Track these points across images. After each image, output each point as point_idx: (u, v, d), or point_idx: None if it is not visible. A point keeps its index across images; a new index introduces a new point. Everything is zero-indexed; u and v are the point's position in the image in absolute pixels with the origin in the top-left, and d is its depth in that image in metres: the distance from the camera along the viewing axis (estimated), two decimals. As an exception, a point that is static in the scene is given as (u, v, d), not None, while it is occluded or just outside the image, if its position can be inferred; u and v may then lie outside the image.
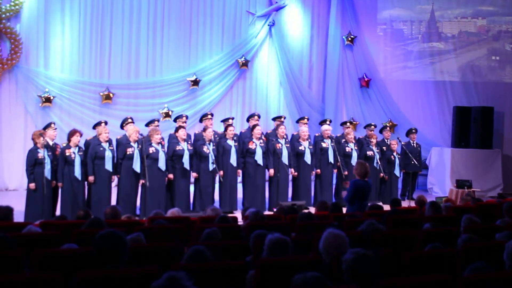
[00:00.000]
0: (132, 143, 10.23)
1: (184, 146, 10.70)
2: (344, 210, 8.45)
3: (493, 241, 5.17)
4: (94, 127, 10.63)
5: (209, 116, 11.66)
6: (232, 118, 12.35)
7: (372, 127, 13.05)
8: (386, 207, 8.86)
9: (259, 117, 12.19)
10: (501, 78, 15.91)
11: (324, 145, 12.07)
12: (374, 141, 12.62)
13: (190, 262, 4.17)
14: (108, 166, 10.07)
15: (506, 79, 15.85)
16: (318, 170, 12.00)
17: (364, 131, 13.28)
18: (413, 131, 13.71)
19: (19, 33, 13.10)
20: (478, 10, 16.21)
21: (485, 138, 14.80)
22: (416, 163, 13.00)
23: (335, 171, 12.28)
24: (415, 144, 13.57)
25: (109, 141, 10.26)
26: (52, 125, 10.29)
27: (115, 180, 10.36)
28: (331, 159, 12.01)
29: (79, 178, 9.88)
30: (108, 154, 10.07)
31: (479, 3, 16.20)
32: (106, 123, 10.63)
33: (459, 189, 12.67)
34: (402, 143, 13.21)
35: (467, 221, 6.04)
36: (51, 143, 10.06)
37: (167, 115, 14.54)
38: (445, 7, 16.44)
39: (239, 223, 7.03)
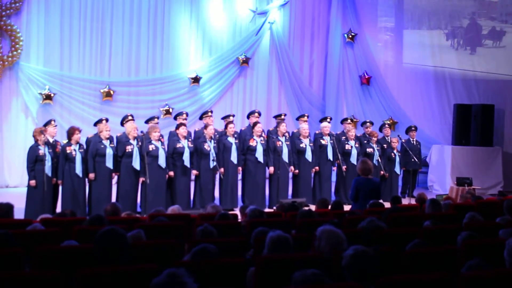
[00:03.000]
0: (131, 141, 10.23)
1: (184, 143, 10.70)
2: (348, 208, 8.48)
3: (493, 239, 5.17)
4: (95, 124, 10.63)
5: (210, 114, 11.67)
6: (233, 115, 12.34)
7: (368, 124, 13.05)
8: (387, 205, 8.85)
9: (259, 114, 12.19)
10: (501, 76, 15.88)
11: (323, 142, 12.07)
12: (374, 138, 12.62)
13: (194, 259, 4.17)
14: (109, 163, 10.07)
15: (507, 77, 15.83)
16: (317, 168, 11.99)
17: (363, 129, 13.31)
18: (413, 128, 13.72)
19: (20, 30, 13.11)
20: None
21: (486, 135, 14.78)
22: (417, 160, 13.01)
23: (334, 168, 12.30)
24: (415, 142, 13.57)
25: (110, 139, 10.26)
26: (52, 122, 10.29)
27: (115, 177, 10.36)
28: (330, 156, 12.02)
29: (80, 175, 9.88)
30: (109, 152, 10.07)
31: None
32: (107, 120, 10.63)
33: (460, 187, 12.65)
34: (403, 140, 13.21)
35: (470, 218, 6.04)
36: (51, 140, 10.05)
37: (167, 112, 14.54)
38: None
39: (239, 220, 7.03)
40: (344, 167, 12.04)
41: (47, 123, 10.26)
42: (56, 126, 10.38)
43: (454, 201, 10.02)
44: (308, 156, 11.77)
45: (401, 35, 16.67)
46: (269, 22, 15.94)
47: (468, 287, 3.72)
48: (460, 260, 4.61)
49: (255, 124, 11.45)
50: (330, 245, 4.40)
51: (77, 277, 3.67)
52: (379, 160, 12.42)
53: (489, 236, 5.39)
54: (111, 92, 14.13)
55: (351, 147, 12.26)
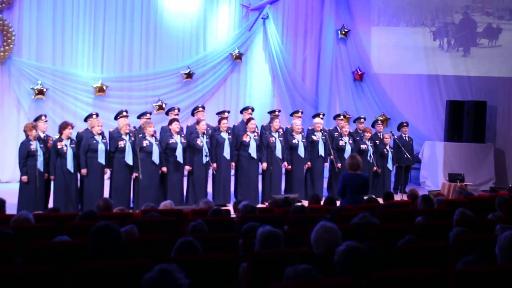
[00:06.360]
0: (123, 136, 10.20)
1: (177, 139, 10.68)
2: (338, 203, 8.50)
3: (485, 235, 5.20)
4: (86, 119, 10.60)
5: (201, 109, 11.60)
6: (228, 112, 12.29)
7: (362, 120, 13.06)
8: (379, 201, 8.88)
9: (252, 110, 12.17)
10: (494, 73, 15.92)
11: (314, 138, 12.07)
12: (368, 134, 12.62)
13: (179, 253, 4.17)
14: (101, 159, 10.04)
15: (499, 74, 15.87)
16: (309, 163, 11.99)
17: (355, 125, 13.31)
18: (404, 124, 13.74)
19: (12, 25, 13.04)
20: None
21: (478, 132, 14.83)
22: (409, 156, 13.05)
23: (326, 164, 12.30)
24: (407, 138, 13.59)
25: (102, 134, 10.23)
26: (43, 117, 10.23)
27: (107, 173, 10.34)
28: (321, 152, 12.01)
29: (72, 170, 9.84)
30: (101, 147, 10.04)
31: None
32: (97, 115, 10.60)
33: (452, 183, 12.69)
34: (395, 136, 13.25)
35: (460, 214, 6.06)
36: (42, 135, 10.01)
37: (160, 107, 14.51)
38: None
39: (232, 216, 7.03)
40: (339, 165, 12.02)
41: (38, 118, 10.21)
42: (46, 121, 10.31)
43: (447, 197, 10.05)
44: (301, 152, 11.78)
45: (392, 32, 16.65)
46: (262, 18, 15.90)
47: (461, 282, 3.74)
48: (452, 256, 4.63)
49: (249, 120, 11.44)
50: (326, 241, 4.40)
51: (71, 272, 3.66)
52: (372, 156, 12.44)
53: (481, 232, 5.42)
54: (104, 87, 14.08)
55: (345, 143, 12.26)
